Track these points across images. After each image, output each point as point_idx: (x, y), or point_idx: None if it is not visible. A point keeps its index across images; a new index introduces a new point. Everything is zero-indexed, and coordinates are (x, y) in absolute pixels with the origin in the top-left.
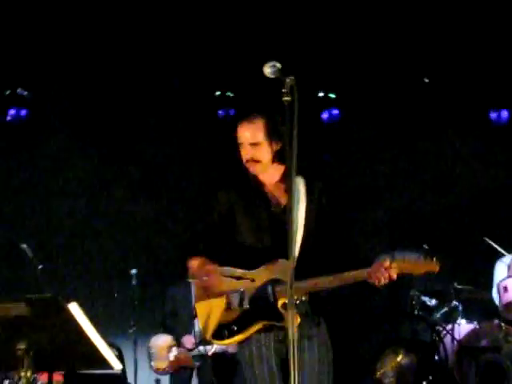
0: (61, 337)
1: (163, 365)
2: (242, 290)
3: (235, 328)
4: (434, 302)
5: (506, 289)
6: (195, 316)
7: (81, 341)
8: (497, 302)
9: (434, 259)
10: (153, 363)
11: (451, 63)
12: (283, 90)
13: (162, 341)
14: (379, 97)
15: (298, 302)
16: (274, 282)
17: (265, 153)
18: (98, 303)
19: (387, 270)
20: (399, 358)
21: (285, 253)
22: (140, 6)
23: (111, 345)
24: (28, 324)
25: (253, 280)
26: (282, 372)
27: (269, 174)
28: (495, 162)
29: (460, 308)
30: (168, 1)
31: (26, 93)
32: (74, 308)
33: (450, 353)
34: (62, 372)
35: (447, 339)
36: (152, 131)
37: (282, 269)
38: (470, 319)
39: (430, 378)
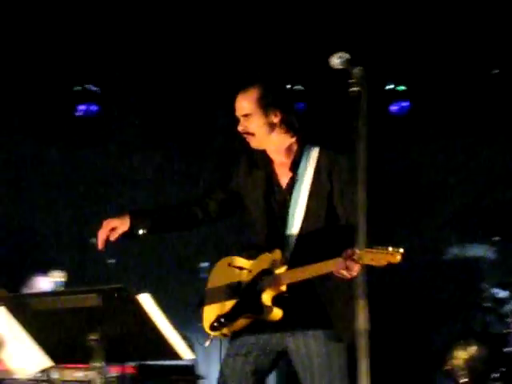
0: (132, 327)
1: None
2: (237, 281)
3: (222, 320)
4: (505, 293)
5: None
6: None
7: (151, 332)
8: None
9: (400, 250)
10: None
11: None
12: (350, 81)
13: None
14: (449, 88)
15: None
16: (266, 272)
17: (258, 124)
18: (169, 296)
19: (350, 261)
20: (471, 351)
21: (280, 240)
22: None
23: (185, 337)
24: (100, 315)
25: (250, 271)
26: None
27: (273, 149)
28: None
29: None
30: None
31: (95, 89)
32: (145, 299)
33: None
34: (134, 364)
35: None
36: (221, 125)
37: (274, 258)
38: None
39: (502, 369)
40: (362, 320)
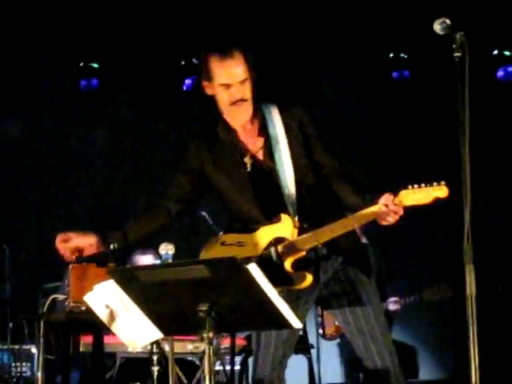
0: (241, 298)
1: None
2: (247, 257)
3: None
4: None
5: None
6: None
7: (261, 301)
8: None
9: (443, 183)
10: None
11: None
12: (454, 46)
13: None
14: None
15: (311, 254)
16: (277, 241)
17: (250, 89)
18: None
19: (394, 204)
20: None
21: (278, 207)
22: None
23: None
24: (208, 286)
25: (255, 244)
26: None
27: (243, 115)
28: None
29: None
30: None
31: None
32: (253, 268)
33: None
34: (245, 335)
35: None
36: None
37: (283, 225)
38: None
39: None
40: (470, 285)
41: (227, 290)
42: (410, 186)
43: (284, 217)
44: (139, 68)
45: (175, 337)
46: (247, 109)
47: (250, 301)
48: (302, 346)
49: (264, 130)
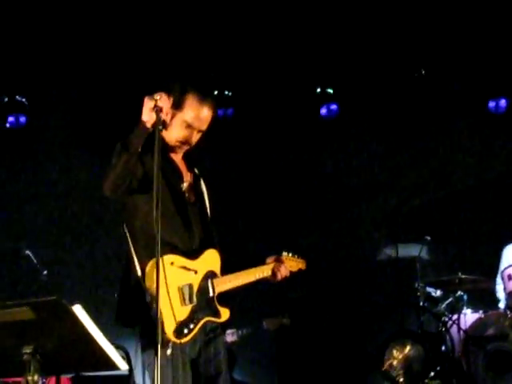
0: (66, 339)
1: None
2: (190, 283)
3: (192, 326)
4: (439, 292)
5: (510, 277)
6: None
7: (86, 343)
8: (498, 289)
9: (300, 258)
10: None
11: (448, 54)
12: None
13: None
14: (376, 90)
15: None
16: (211, 274)
17: None
18: (104, 307)
19: (285, 267)
20: (406, 350)
21: (204, 239)
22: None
23: (118, 347)
24: (33, 328)
25: (195, 272)
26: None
27: (182, 153)
28: (494, 151)
29: (465, 298)
30: None
31: (23, 99)
32: (78, 310)
33: (457, 342)
34: (70, 376)
35: (453, 329)
36: None
37: (213, 261)
38: (475, 308)
39: (438, 368)
40: None
41: (52, 332)
42: (285, 253)
43: (213, 252)
44: None
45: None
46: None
47: (75, 342)
48: None
49: (190, 169)
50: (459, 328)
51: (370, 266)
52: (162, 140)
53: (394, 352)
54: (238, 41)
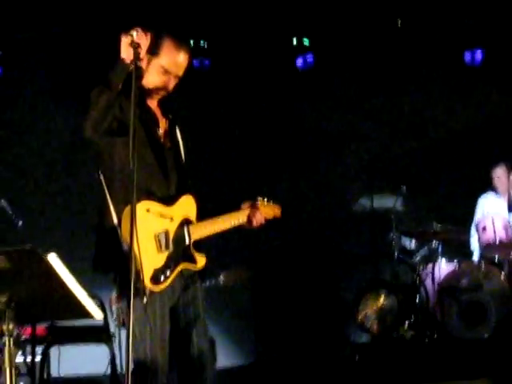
0: (41, 288)
1: None
2: (166, 230)
3: (168, 273)
4: (414, 243)
5: (484, 228)
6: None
7: (61, 291)
8: (471, 241)
9: (275, 204)
10: None
11: (424, 4)
12: None
13: None
14: (353, 41)
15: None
16: (187, 221)
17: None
18: (81, 256)
19: (260, 213)
20: (381, 300)
21: (180, 184)
22: None
23: (93, 296)
24: (8, 276)
25: (171, 218)
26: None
27: (158, 99)
28: (469, 102)
29: (440, 248)
30: None
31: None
32: (52, 258)
33: (431, 293)
34: (45, 325)
35: (428, 281)
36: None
37: (188, 207)
38: (450, 259)
39: (412, 319)
40: None
41: (27, 281)
42: (261, 199)
43: (188, 198)
44: None
45: None
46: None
47: (51, 291)
48: (103, 335)
49: (166, 115)
50: (433, 279)
51: (345, 216)
52: (139, 86)
53: (368, 302)
54: None
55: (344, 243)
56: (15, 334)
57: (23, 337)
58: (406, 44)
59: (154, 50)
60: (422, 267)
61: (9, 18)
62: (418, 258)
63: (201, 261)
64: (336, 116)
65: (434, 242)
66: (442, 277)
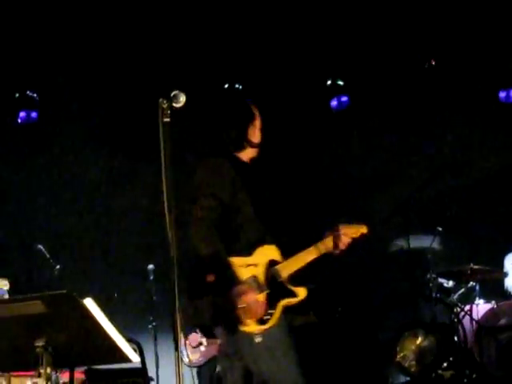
0: (78, 332)
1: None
2: (254, 275)
3: (271, 311)
4: (451, 283)
5: None
6: None
7: (98, 335)
8: (507, 280)
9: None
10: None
11: (457, 44)
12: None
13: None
14: (387, 82)
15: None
16: (272, 263)
17: None
18: (117, 300)
19: (345, 236)
20: (419, 341)
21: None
22: None
23: (130, 340)
24: (45, 321)
25: (257, 265)
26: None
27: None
28: (505, 142)
29: (477, 288)
30: None
31: (35, 95)
32: (89, 303)
33: (469, 333)
34: (83, 368)
35: (466, 320)
36: None
37: (269, 251)
38: (487, 299)
39: (451, 359)
40: None
41: (64, 325)
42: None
43: (265, 247)
44: None
45: (13, 372)
46: None
47: (87, 335)
48: (141, 378)
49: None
50: (471, 318)
51: (382, 258)
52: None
53: (407, 343)
54: (249, 34)
55: (381, 284)
56: (53, 377)
57: (61, 380)
58: (439, 84)
59: (252, 120)
60: (459, 307)
61: (46, 61)
62: (455, 298)
63: (301, 292)
64: (370, 157)
65: (471, 281)
66: (480, 316)
